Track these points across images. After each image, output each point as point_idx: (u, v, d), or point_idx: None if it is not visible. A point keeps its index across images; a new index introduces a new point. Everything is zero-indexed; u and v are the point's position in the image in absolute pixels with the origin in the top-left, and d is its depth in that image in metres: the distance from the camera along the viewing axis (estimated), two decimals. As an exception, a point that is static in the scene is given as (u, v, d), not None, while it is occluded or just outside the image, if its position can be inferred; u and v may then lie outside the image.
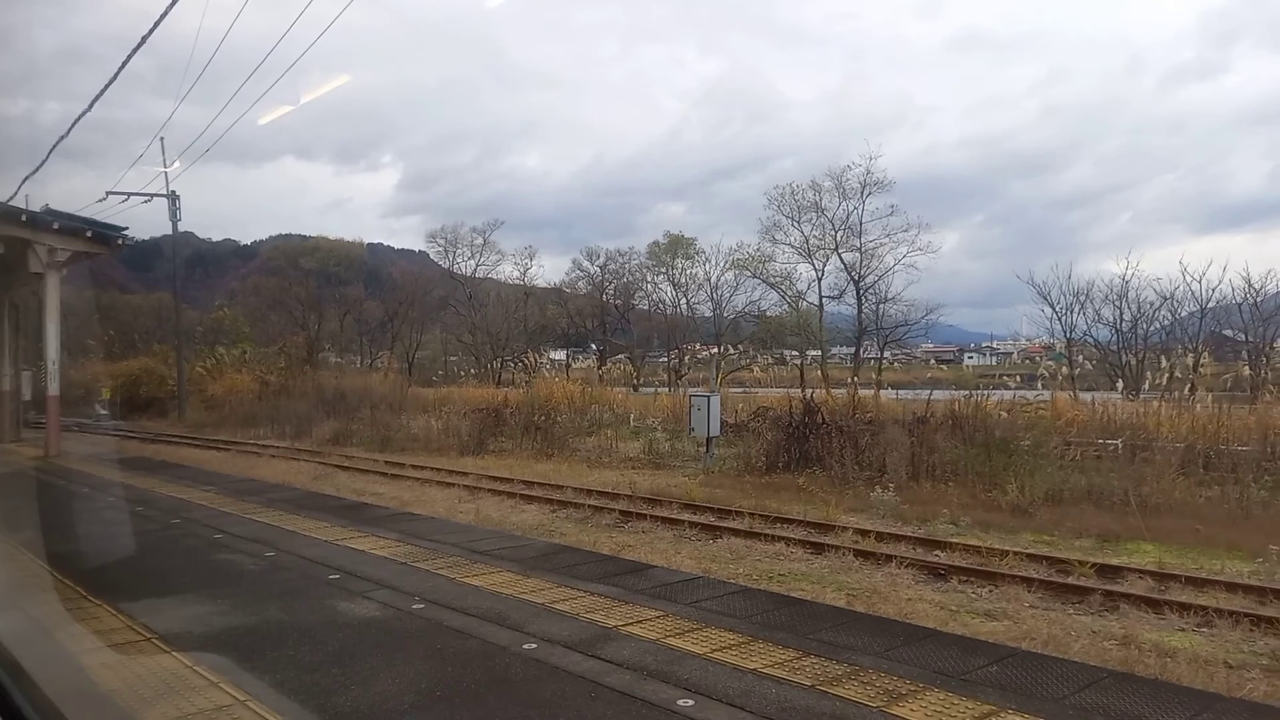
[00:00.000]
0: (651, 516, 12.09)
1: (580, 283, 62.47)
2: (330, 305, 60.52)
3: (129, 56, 11.06)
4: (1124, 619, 7.28)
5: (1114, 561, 9.16)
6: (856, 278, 45.50)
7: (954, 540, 10.25)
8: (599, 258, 61.43)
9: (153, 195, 27.86)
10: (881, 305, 46.33)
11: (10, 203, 15.00)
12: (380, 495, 14.87)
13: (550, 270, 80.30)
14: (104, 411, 29.63)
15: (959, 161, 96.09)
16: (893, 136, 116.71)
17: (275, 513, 9.36)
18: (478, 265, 63.55)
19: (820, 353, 47.48)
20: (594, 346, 63.13)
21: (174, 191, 29.12)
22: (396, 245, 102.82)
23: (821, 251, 46.20)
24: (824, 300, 46.58)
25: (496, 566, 6.84)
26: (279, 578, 6.61)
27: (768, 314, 51.95)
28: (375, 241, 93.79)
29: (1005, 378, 20.37)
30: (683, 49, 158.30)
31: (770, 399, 25.42)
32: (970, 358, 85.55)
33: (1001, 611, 7.49)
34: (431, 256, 74.25)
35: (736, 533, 10.98)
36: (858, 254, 45.43)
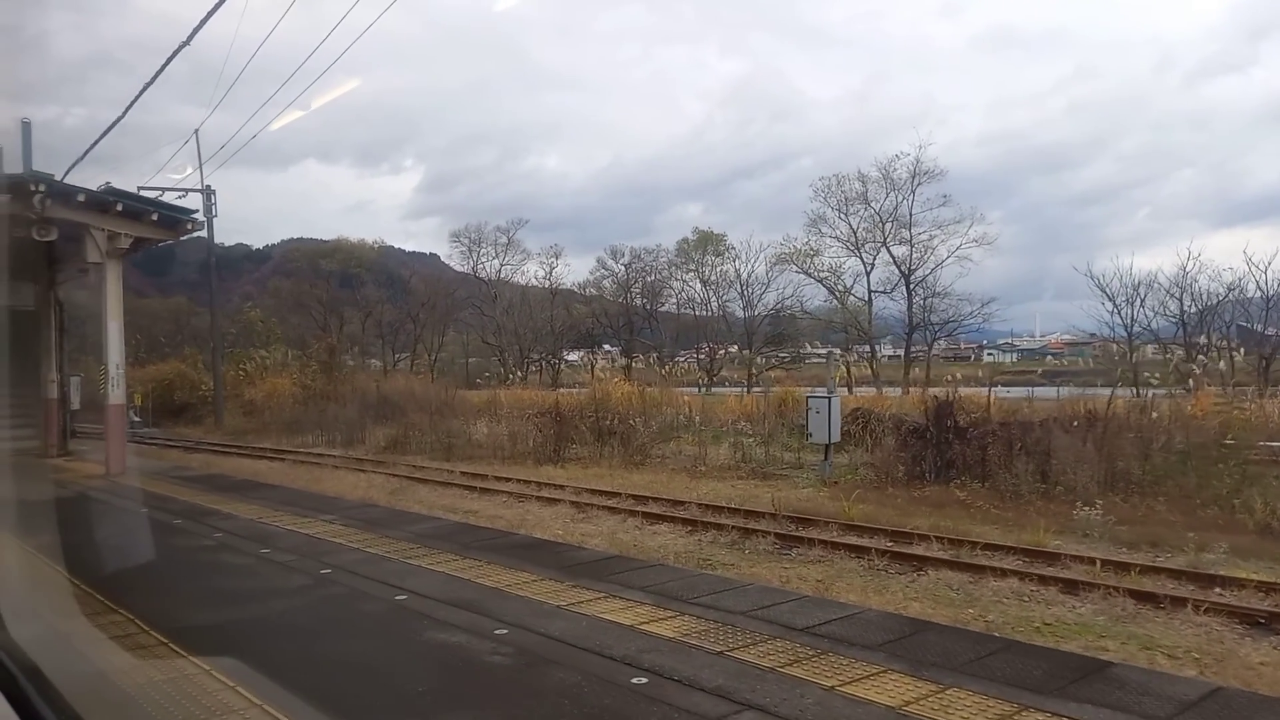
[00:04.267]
0: (819, 542, 10.35)
1: (605, 281, 60.79)
2: (349, 307, 58.90)
3: (164, 65, 10.34)
4: None
5: None
6: (907, 271, 43.68)
7: (1221, 572, 8.50)
8: (623, 256, 59.62)
9: (187, 190, 26.24)
10: (930, 300, 44.56)
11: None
12: (477, 513, 13.21)
13: (570, 270, 78.41)
14: (137, 418, 27.91)
15: (979, 159, 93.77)
16: (915, 135, 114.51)
17: (441, 556, 7.47)
18: (502, 265, 61.81)
19: (870, 350, 45.58)
20: (607, 347, 61.43)
21: (209, 186, 27.43)
22: (409, 248, 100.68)
23: (870, 245, 44.44)
24: (872, 295, 44.84)
25: (862, 658, 4.80)
26: (555, 681, 4.59)
27: (809, 311, 49.98)
28: (386, 245, 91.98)
29: (1148, 376, 18.50)
30: (705, 50, 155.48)
31: (860, 399, 23.70)
32: (990, 354, 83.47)
33: None
34: (443, 259, 72.63)
35: (940, 563, 9.23)
36: (908, 247, 43.67)
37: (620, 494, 14.34)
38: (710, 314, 57.18)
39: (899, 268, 44.18)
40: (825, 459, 15.95)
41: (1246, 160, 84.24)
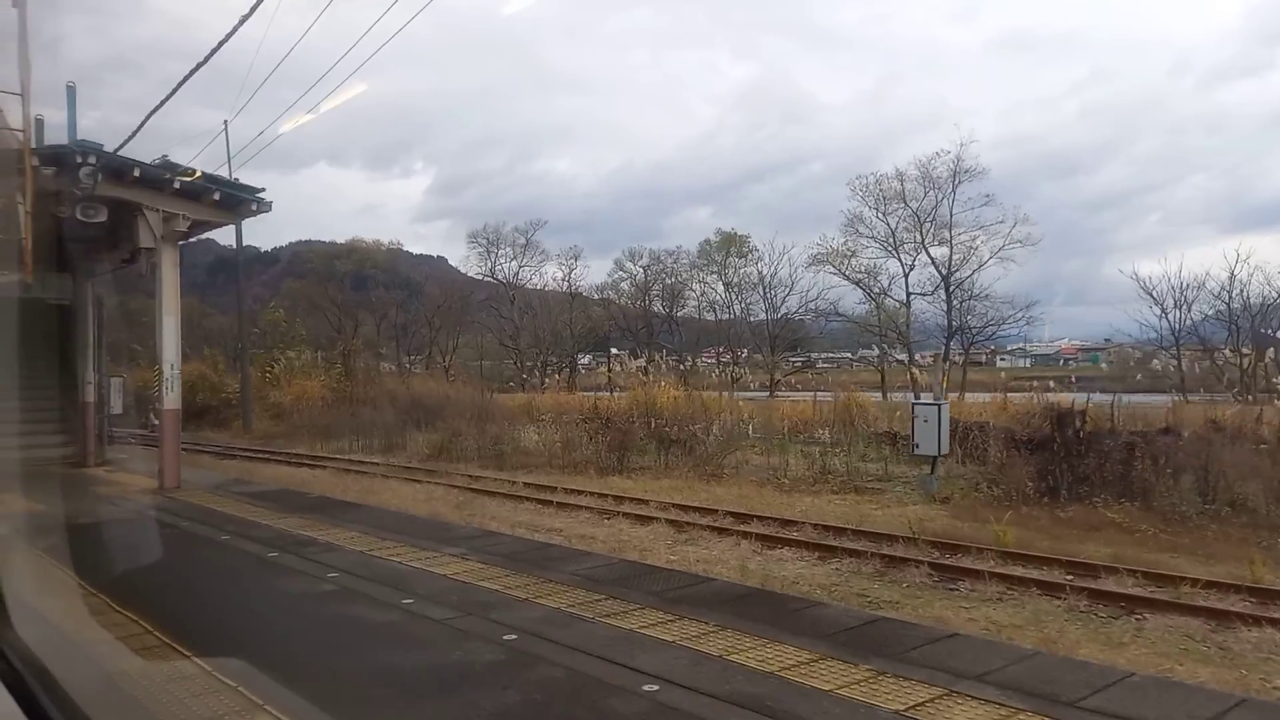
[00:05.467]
0: (986, 574, 8.94)
1: (624, 284, 59.46)
2: (363, 309, 57.68)
3: (196, 68, 10.42)
4: None
5: None
6: (945, 273, 42.27)
7: None
8: (641, 258, 58.23)
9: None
10: (968, 302, 43.12)
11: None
12: (562, 531, 11.90)
13: (586, 272, 76.90)
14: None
15: (991, 163, 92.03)
16: (926, 139, 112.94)
17: (647, 614, 5.61)
18: (520, 266, 60.39)
19: (909, 354, 44.09)
20: (615, 350, 60.09)
21: (237, 179, 25.97)
22: (416, 251, 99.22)
23: (909, 245, 43.00)
24: (910, 297, 43.38)
25: None
26: None
27: (842, 313, 48.46)
28: (400, 247, 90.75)
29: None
30: (716, 53, 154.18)
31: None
32: (1002, 359, 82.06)
33: None
34: (451, 262, 71.31)
35: (1157, 605, 7.82)
36: (947, 248, 42.24)
37: (715, 510, 12.94)
38: (732, 317, 55.75)
39: (938, 269, 42.79)
40: (932, 472, 14.55)
41: (1260, 165, 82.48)
